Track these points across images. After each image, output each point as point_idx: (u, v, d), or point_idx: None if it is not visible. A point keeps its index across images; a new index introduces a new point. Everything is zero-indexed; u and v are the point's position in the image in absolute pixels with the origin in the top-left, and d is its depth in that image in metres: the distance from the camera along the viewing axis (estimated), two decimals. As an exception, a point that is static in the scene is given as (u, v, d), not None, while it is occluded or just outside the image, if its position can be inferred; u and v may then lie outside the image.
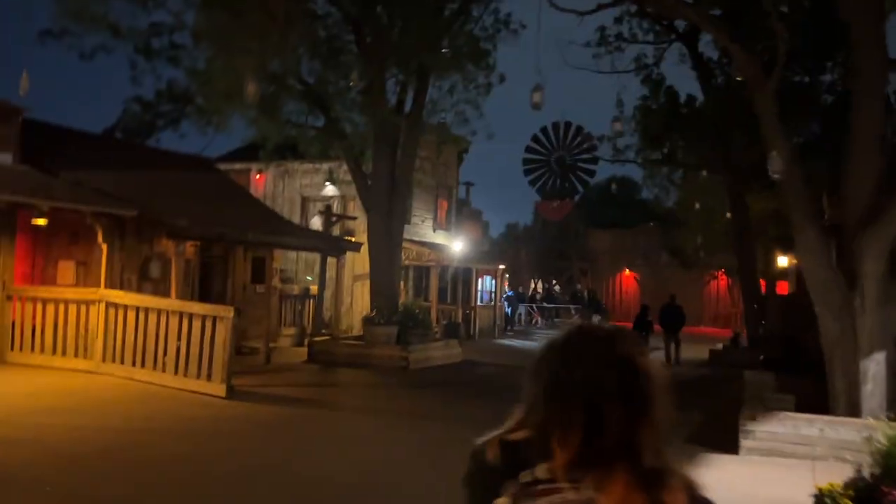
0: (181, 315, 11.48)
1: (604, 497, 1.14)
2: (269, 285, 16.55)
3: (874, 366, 8.21)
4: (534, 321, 31.41)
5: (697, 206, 26.06)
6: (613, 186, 25.60)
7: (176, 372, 11.37)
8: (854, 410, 8.24)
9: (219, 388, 10.99)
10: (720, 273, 36.71)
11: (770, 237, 25.78)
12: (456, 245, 23.36)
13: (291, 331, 18.74)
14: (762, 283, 38.04)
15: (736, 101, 20.54)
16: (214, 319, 11.22)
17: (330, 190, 22.18)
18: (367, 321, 16.64)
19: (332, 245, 17.65)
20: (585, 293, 27.41)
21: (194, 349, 11.28)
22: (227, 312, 11.28)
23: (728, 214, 24.07)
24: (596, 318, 25.64)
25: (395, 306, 16.91)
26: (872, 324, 8.20)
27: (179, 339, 11.43)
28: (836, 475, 7.36)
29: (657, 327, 20.12)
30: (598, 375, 1.25)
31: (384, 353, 15.75)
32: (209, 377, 11.13)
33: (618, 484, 1.15)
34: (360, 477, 7.33)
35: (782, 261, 26.86)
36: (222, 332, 11.15)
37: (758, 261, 21.89)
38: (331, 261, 18.30)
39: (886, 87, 8.62)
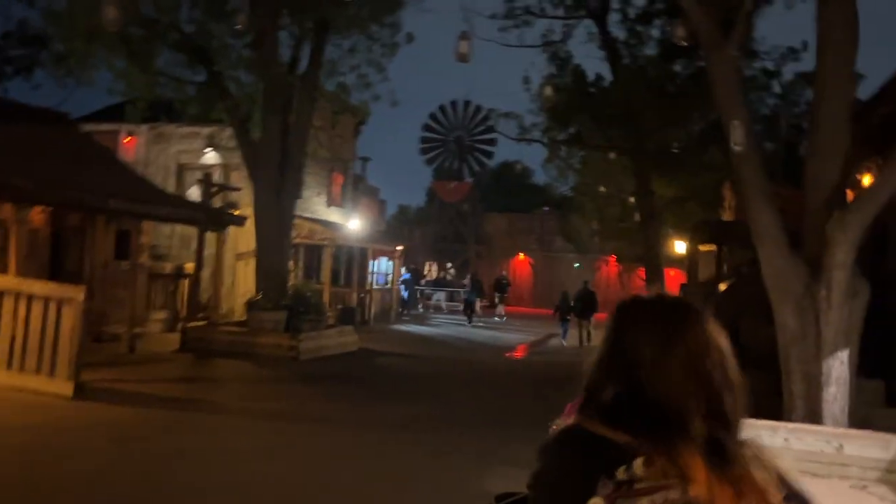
0: (17, 296, 9.32)
1: (698, 490, 1.01)
2: (135, 262, 14.34)
3: (838, 366, 7.30)
4: (423, 306, 30.12)
5: (602, 189, 25.39)
6: (519, 166, 24.60)
7: (9, 366, 9.22)
8: (814, 416, 7.31)
9: (64, 387, 8.96)
10: (612, 259, 36.69)
11: (668, 224, 25.67)
12: (351, 223, 21.67)
13: (162, 315, 16.53)
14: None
15: (646, 82, 19.92)
16: (60, 302, 9.15)
17: (211, 157, 19.97)
18: (251, 305, 14.75)
19: (212, 218, 15.58)
20: (468, 277, 26.62)
21: (34, 338, 9.18)
22: (76, 293, 9.22)
23: (631, 199, 23.56)
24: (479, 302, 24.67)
25: (283, 289, 15.11)
26: (838, 319, 7.28)
27: (15, 325, 9.28)
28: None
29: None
30: (697, 356, 1.15)
31: (270, 341, 13.95)
32: (52, 373, 9.07)
33: (702, 475, 1.03)
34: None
35: (680, 247, 26.80)
36: (70, 318, 9.10)
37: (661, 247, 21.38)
38: (210, 236, 16.22)
39: (857, 53, 7.68)
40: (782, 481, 1.11)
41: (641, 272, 38.55)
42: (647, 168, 20.13)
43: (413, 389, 11.62)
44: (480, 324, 25.50)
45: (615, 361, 1.21)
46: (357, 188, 24.97)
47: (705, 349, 1.17)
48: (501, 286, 28.10)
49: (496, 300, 28.15)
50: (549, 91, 18.18)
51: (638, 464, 1.06)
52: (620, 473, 1.06)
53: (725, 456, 1.08)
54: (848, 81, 7.62)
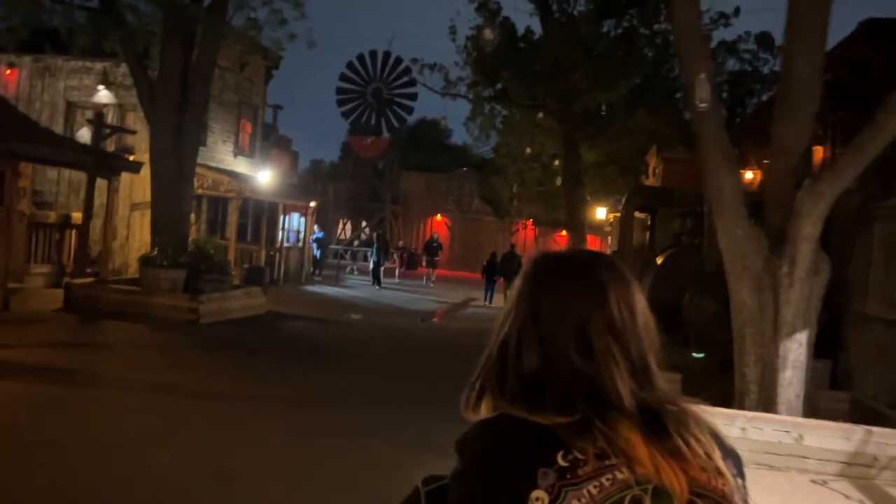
0: None
1: (643, 469, 0.93)
2: (10, 208, 12.62)
3: (796, 348, 6.75)
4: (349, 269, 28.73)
5: (528, 150, 24.67)
6: (443, 121, 23.44)
7: None
8: (767, 402, 6.76)
9: None
10: (529, 222, 36.34)
11: (588, 190, 25.32)
12: (261, 175, 20.16)
13: (45, 269, 14.81)
14: (567, 233, 38.55)
15: (576, 40, 19.17)
16: None
17: (104, 96, 18.02)
18: (145, 261, 13.30)
19: (102, 162, 13.92)
20: (374, 237, 24.99)
21: None
22: (-77, 246, 7.69)
23: (556, 163, 23.00)
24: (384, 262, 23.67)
25: (183, 244, 13.70)
26: (799, 298, 6.70)
27: None
28: (770, 487, 5.81)
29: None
30: (625, 319, 1.03)
31: (167, 302, 12.59)
32: None
33: (643, 452, 0.94)
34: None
35: (601, 213, 26.52)
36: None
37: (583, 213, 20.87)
38: (101, 183, 14.55)
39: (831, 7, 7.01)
40: (716, 439, 1.00)
41: (558, 236, 38.53)
42: (574, 130, 19.49)
43: (327, 360, 10.60)
44: (393, 287, 24.57)
45: (530, 331, 1.04)
46: (267, 138, 23.34)
47: (632, 310, 1.04)
48: (432, 249, 26.61)
49: (426, 263, 26.68)
50: (488, 34, 17.12)
51: (578, 446, 0.96)
52: (560, 459, 0.95)
53: (663, 427, 0.97)
54: (820, 39, 6.94)
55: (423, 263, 26.50)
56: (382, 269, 23.40)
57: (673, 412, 0.99)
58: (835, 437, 6.12)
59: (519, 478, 0.95)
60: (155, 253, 13.24)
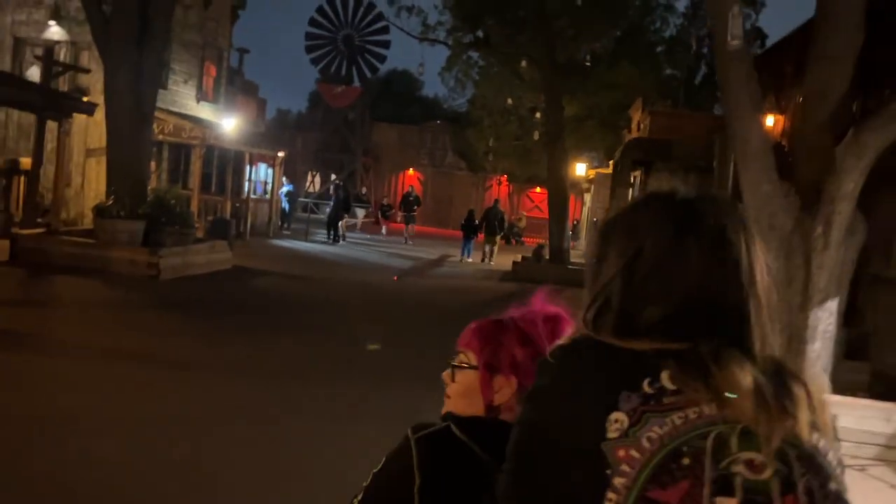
0: None
1: (740, 411, 0.86)
2: (-53, 152, 11.44)
3: (826, 317, 6.10)
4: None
5: (509, 100, 23.70)
6: (421, 69, 22.23)
7: None
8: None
9: None
10: (503, 178, 35.53)
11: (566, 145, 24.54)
12: (226, 122, 18.98)
13: (-10, 218, 13.64)
14: (541, 190, 37.74)
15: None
16: None
17: (55, 32, 16.59)
18: (100, 212, 12.24)
19: (51, 102, 12.73)
20: (340, 191, 23.52)
21: None
22: None
23: (537, 115, 22.14)
24: (359, 215, 22.69)
25: (141, 194, 12.66)
26: (833, 263, 6.03)
27: None
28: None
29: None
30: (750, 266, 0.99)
31: (125, 256, 11.61)
32: None
33: (747, 393, 0.87)
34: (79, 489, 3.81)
35: (580, 170, 25.77)
36: None
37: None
38: (51, 126, 13.38)
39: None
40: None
41: (533, 192, 37.85)
42: (557, 81, 18.58)
43: (296, 320, 9.77)
44: (365, 242, 23.71)
45: (636, 270, 0.96)
46: (233, 83, 22.04)
47: (754, 259, 1.00)
48: (409, 203, 25.21)
49: (402, 220, 25.34)
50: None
51: (665, 376, 0.90)
52: (646, 386, 0.90)
53: (781, 378, 0.91)
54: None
55: (400, 219, 25.26)
56: (343, 223, 22.38)
57: (791, 370, 0.94)
58: (874, 418, 5.52)
59: (600, 399, 0.91)
60: (111, 202, 12.19)
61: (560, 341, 1.01)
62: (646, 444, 0.86)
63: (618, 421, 0.88)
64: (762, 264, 1.02)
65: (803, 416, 0.88)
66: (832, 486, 0.86)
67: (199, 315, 9.40)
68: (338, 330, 9.29)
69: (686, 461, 0.84)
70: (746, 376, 0.88)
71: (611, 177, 11.64)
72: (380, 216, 25.39)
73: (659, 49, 29.16)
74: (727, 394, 0.86)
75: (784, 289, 6.22)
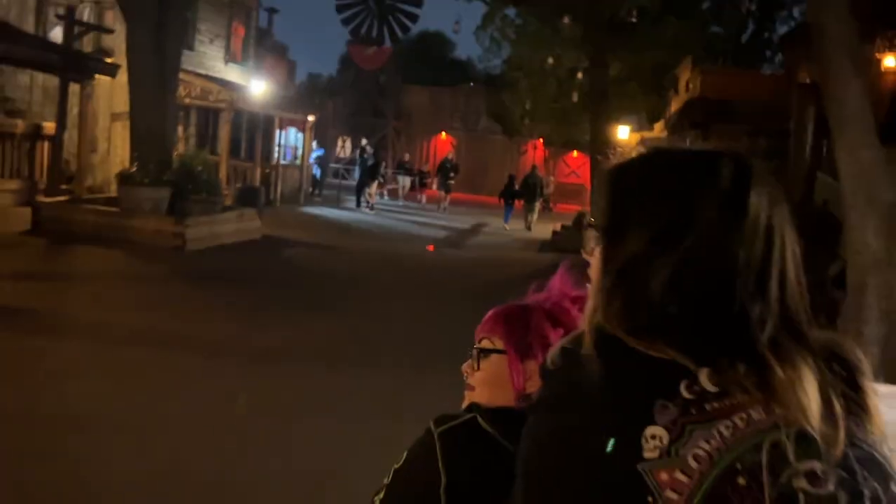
0: None
1: (807, 415, 0.76)
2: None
3: (936, 304, 5.32)
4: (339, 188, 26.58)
5: (550, 60, 22.67)
6: (457, 27, 21.10)
7: None
8: (892, 367, 5.37)
9: None
10: (539, 142, 34.50)
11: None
12: (255, 85, 18.31)
13: (13, 185, 13.11)
14: (578, 155, 36.67)
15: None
16: None
17: (78, -9, 16.01)
18: (124, 179, 11.72)
19: (72, 63, 12.16)
20: (367, 156, 22.43)
21: None
22: None
23: (579, 75, 21.14)
24: (403, 183, 21.85)
25: (167, 160, 12.11)
26: (946, 241, 5.24)
27: None
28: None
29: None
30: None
31: (149, 226, 11.10)
32: None
33: (811, 395, 0.76)
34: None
35: (622, 133, 24.70)
36: None
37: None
38: (74, 89, 12.84)
39: None
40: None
41: (570, 158, 36.78)
42: (601, 38, 17.56)
43: (329, 296, 9.15)
44: (387, 209, 23.04)
45: (673, 245, 0.81)
46: (262, 44, 21.32)
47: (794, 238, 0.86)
48: (446, 170, 23.88)
49: (439, 187, 23.91)
50: None
51: (705, 375, 0.79)
52: (684, 391, 0.78)
53: (853, 376, 0.81)
54: None
55: (435, 186, 24.17)
56: (373, 190, 21.61)
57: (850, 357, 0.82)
58: None
59: (629, 411, 0.79)
60: (135, 169, 11.65)
61: (563, 341, 0.89)
62: (693, 463, 0.75)
63: (655, 437, 0.77)
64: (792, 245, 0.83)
65: (876, 416, 0.78)
66: (894, 487, 0.76)
67: (226, 292, 8.82)
68: (375, 308, 8.66)
69: (742, 481, 0.74)
70: (811, 372, 0.77)
71: (663, 140, 10.79)
72: (416, 183, 24.33)
73: (706, 5, 27.83)
74: (786, 393, 0.75)
75: (884, 269, 5.45)
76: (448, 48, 54.58)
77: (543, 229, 20.22)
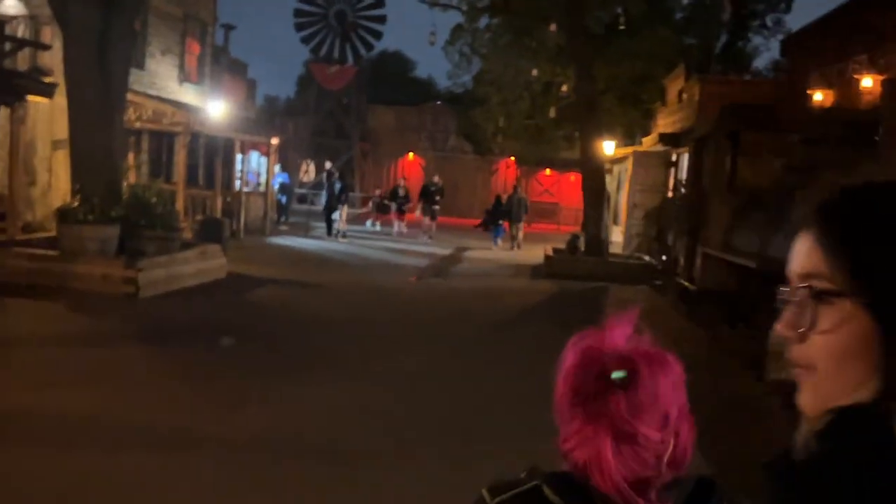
0: None
1: None
2: None
3: None
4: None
5: (535, 72, 21.43)
6: (432, 37, 19.72)
7: None
8: None
9: None
10: (511, 161, 33.33)
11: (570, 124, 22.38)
12: (213, 106, 16.69)
13: (-66, 226, 11.41)
14: (551, 173, 35.60)
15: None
16: None
17: (11, 6, 14.31)
18: (64, 216, 10.03)
19: (1, 83, 10.44)
20: (334, 179, 20.32)
21: None
22: None
23: (564, 88, 19.99)
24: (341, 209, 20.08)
25: (115, 192, 10.45)
26: None
27: None
28: None
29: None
30: None
31: (95, 271, 9.42)
32: None
33: None
34: None
35: (608, 148, 23.54)
36: None
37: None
38: (5, 112, 11.13)
39: None
40: None
41: (542, 176, 35.66)
42: (587, 48, 16.39)
43: (314, 351, 7.57)
44: (359, 236, 21.49)
45: None
46: (219, 61, 19.72)
47: None
48: (430, 194, 21.79)
49: (422, 212, 21.80)
50: None
51: None
52: None
53: None
54: None
55: (418, 212, 21.89)
56: (342, 213, 19.95)
57: None
58: None
59: None
60: (77, 204, 9.97)
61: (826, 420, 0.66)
62: None
63: None
64: None
65: None
66: None
67: (190, 353, 7.17)
68: (373, 366, 7.11)
69: None
70: None
71: (690, 150, 9.61)
72: (393, 209, 22.31)
73: (679, 16, 27.05)
74: None
75: None
76: (408, 67, 53.43)
77: (528, 252, 18.92)
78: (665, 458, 1.01)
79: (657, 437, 1.00)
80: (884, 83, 7.14)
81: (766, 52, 45.31)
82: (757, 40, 30.33)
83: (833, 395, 0.68)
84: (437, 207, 21.57)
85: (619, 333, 1.06)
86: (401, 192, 22.34)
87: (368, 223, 23.47)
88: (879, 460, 0.63)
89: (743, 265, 7.71)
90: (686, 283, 9.11)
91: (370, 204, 26.04)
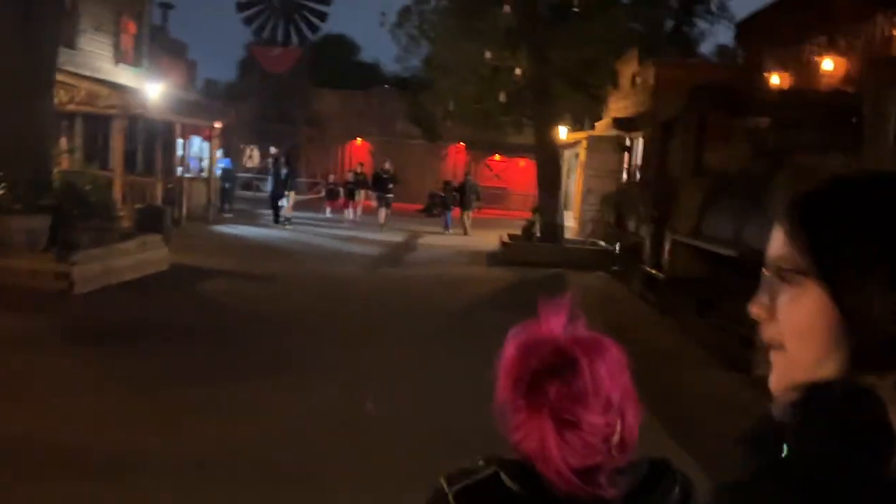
0: None
1: None
2: None
3: None
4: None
5: (489, 54, 20.96)
6: (384, 17, 18.92)
7: None
8: None
9: None
10: (461, 146, 32.94)
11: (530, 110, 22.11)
12: (150, 88, 15.79)
13: None
14: (500, 158, 35.33)
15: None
16: None
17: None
18: (-13, 205, 9.19)
19: None
20: (280, 165, 19.27)
21: None
22: None
23: (517, 71, 19.62)
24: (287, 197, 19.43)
25: (45, 179, 9.69)
26: None
27: None
28: None
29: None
30: None
31: (23, 265, 8.68)
32: None
33: None
34: None
35: (561, 132, 23.31)
36: None
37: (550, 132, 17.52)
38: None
39: None
40: None
41: (491, 161, 35.35)
42: (541, 30, 16.04)
43: (271, 351, 7.05)
44: (305, 222, 20.85)
45: None
46: (156, 40, 18.72)
47: None
48: (382, 181, 20.59)
49: (377, 200, 20.52)
50: None
51: None
52: None
53: None
54: None
55: (377, 200, 20.73)
56: (289, 200, 19.30)
57: None
58: None
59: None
60: (2, 192, 9.17)
61: (803, 381, 0.68)
62: None
63: None
64: None
65: None
66: None
67: (129, 357, 6.56)
68: (333, 367, 6.62)
69: None
70: None
71: (655, 134, 9.30)
72: (343, 195, 21.47)
73: (626, 0, 26.94)
74: None
75: None
76: (353, 51, 52.35)
77: (481, 238, 18.61)
78: (613, 442, 1.02)
79: (601, 421, 1.01)
80: (866, 63, 6.95)
81: (711, 38, 45.94)
82: (702, 25, 30.57)
83: (798, 372, 0.70)
84: (390, 196, 20.66)
85: (556, 322, 1.07)
86: (359, 178, 21.71)
87: (328, 211, 22.63)
88: (843, 436, 0.65)
89: (713, 252, 7.48)
90: (653, 271, 8.87)
91: (323, 191, 25.24)
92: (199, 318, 8.28)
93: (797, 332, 0.70)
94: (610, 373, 1.03)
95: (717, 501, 0.73)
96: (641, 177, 13.35)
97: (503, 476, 1.03)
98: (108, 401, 5.34)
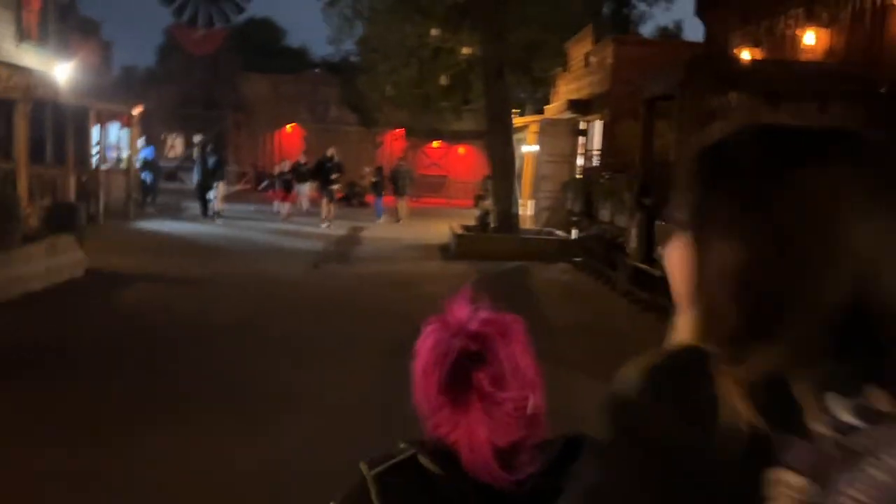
0: None
1: None
2: None
3: None
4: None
5: (434, 32, 19.83)
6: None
7: None
8: None
9: None
10: (399, 132, 31.77)
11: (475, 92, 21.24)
12: (59, 70, 14.10)
13: None
14: (440, 145, 34.28)
15: None
16: None
17: None
18: None
19: None
20: (207, 154, 17.34)
21: None
22: None
23: (464, 50, 18.64)
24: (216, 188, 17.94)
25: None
26: None
27: None
28: None
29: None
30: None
31: None
32: None
33: None
34: None
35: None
36: None
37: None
38: None
39: None
40: None
41: (429, 148, 34.27)
42: (493, 9, 15.06)
43: (213, 380, 5.84)
44: (236, 216, 19.44)
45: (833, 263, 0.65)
46: (65, 19, 16.90)
47: None
48: (326, 171, 18.60)
49: (321, 191, 18.85)
50: None
51: (877, 394, 0.62)
52: (841, 410, 0.61)
53: None
54: None
55: (323, 193, 18.98)
56: (218, 191, 17.73)
57: None
58: None
59: (758, 449, 0.62)
60: None
61: (651, 357, 0.69)
62: None
63: (791, 487, 0.59)
64: None
65: None
66: None
67: (40, 391, 5.26)
68: (279, 396, 5.47)
69: None
70: None
71: (644, 113, 8.42)
72: (280, 186, 19.67)
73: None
74: None
75: None
76: (279, 35, 50.29)
77: (426, 228, 17.61)
78: (530, 414, 1.03)
79: (520, 396, 1.03)
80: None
81: (650, 20, 46.02)
82: (641, 7, 30.22)
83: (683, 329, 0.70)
84: (334, 187, 19.03)
85: (462, 312, 1.07)
86: (303, 168, 20.16)
87: (276, 205, 20.26)
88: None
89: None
90: (642, 266, 8.02)
91: (265, 182, 23.53)
92: (126, 337, 6.96)
93: (680, 286, 0.71)
94: (523, 348, 1.06)
95: (584, 466, 0.70)
96: (603, 161, 12.53)
97: (421, 457, 1.03)
98: (16, 457, 4.09)
